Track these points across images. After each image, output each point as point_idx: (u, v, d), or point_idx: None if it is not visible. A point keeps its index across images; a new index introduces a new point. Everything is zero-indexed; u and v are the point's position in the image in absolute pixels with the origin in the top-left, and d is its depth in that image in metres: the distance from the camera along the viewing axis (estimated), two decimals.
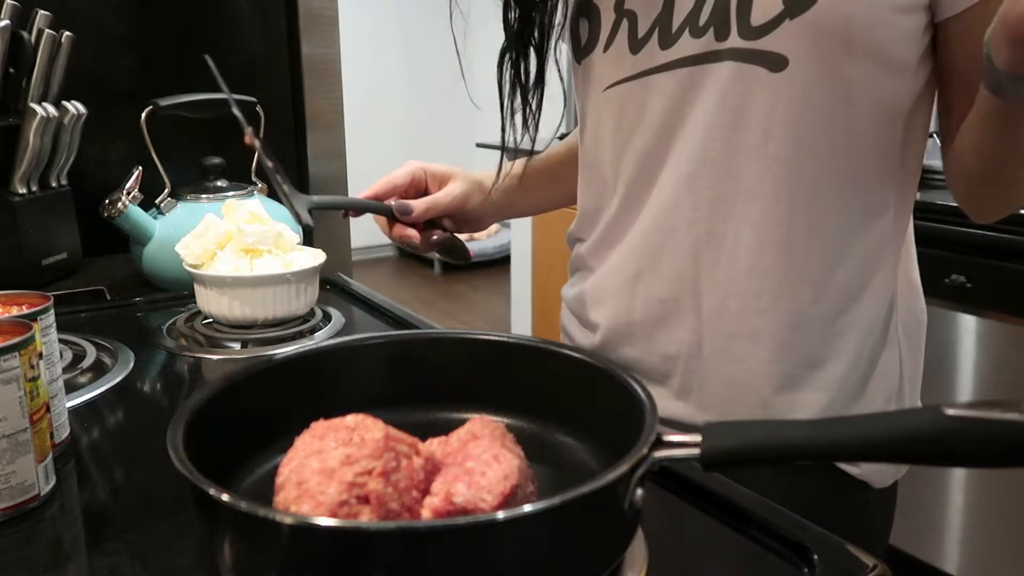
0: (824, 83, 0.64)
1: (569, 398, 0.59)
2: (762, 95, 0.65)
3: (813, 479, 0.71)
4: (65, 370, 0.83)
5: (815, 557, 0.50)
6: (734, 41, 0.65)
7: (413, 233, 0.88)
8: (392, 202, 0.88)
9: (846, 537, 0.53)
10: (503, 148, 0.83)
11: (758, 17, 0.64)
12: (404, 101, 5.64)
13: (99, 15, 1.29)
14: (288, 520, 0.41)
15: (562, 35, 0.79)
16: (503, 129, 0.82)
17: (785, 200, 0.67)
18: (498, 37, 0.80)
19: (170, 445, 0.46)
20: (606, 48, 0.74)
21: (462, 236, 0.95)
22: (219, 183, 1.20)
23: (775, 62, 0.64)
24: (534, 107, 0.81)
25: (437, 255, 5.10)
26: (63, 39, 1.15)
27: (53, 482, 0.60)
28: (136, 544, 0.54)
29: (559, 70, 0.80)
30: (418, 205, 0.88)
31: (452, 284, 5.11)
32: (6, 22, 1.07)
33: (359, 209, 0.88)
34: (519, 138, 0.82)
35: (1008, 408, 0.42)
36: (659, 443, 0.47)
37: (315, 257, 1.00)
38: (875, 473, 0.73)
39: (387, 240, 0.98)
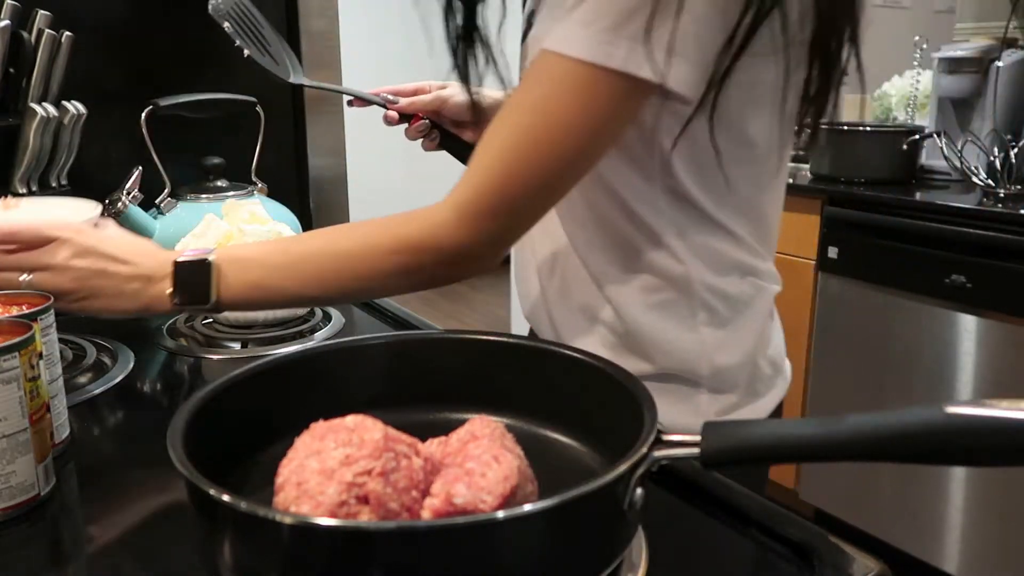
0: None
1: (569, 398, 0.59)
2: None
3: None
4: (65, 370, 0.83)
5: (815, 557, 0.50)
6: None
7: (392, 115, 0.98)
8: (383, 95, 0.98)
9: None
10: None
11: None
12: None
13: (99, 15, 1.29)
14: (288, 520, 0.41)
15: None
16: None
17: (568, 242, 0.78)
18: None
19: (170, 445, 0.46)
20: (523, 39, 0.79)
21: None
22: (219, 183, 1.20)
23: None
24: (463, 62, 0.84)
25: None
26: (63, 39, 1.15)
27: (53, 482, 0.60)
28: (136, 544, 0.54)
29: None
30: (404, 100, 0.99)
31: (452, 284, 5.11)
32: (6, 22, 1.07)
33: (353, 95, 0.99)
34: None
35: (1008, 407, 0.43)
36: (659, 442, 0.47)
37: None
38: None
39: None
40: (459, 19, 0.81)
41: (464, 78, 0.84)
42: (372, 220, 0.70)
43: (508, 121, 0.66)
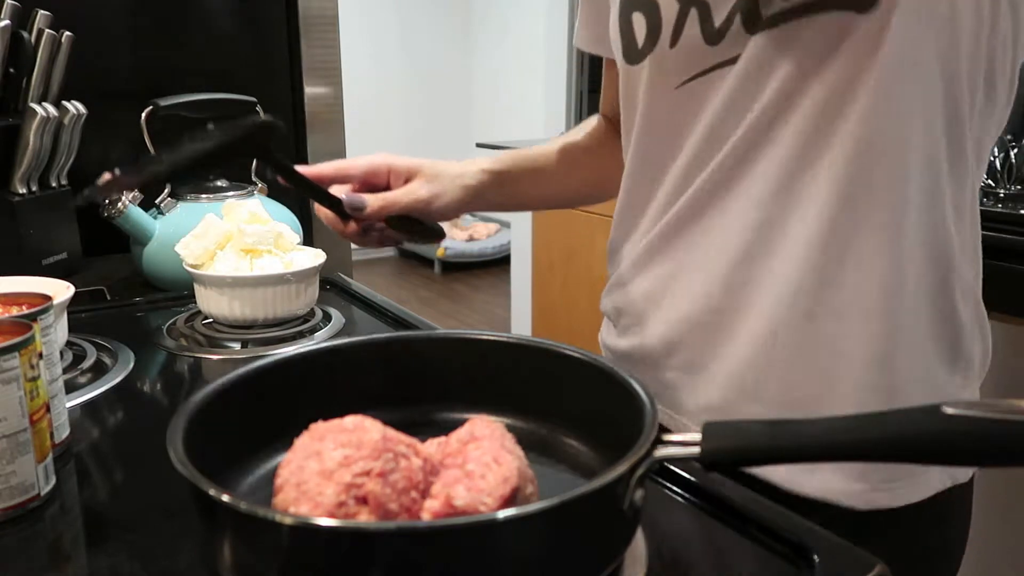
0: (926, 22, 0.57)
1: (569, 398, 0.59)
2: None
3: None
4: (65, 370, 0.83)
5: (815, 557, 0.50)
6: None
7: (353, 229, 0.81)
8: (344, 195, 0.78)
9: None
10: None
11: None
12: (404, 101, 5.64)
13: (99, 15, 1.29)
14: (288, 520, 0.41)
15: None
16: None
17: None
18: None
19: (170, 445, 0.46)
20: (673, 43, 0.65)
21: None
22: (219, 183, 1.20)
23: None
24: None
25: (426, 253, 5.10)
26: (63, 39, 1.15)
27: (53, 482, 0.60)
28: (136, 544, 0.54)
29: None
30: (373, 201, 0.78)
31: (452, 284, 5.11)
32: (6, 22, 1.07)
33: (308, 192, 0.79)
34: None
35: (1007, 408, 0.43)
36: (659, 443, 0.47)
37: (315, 257, 1.00)
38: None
39: None
40: None
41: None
42: None
43: None
